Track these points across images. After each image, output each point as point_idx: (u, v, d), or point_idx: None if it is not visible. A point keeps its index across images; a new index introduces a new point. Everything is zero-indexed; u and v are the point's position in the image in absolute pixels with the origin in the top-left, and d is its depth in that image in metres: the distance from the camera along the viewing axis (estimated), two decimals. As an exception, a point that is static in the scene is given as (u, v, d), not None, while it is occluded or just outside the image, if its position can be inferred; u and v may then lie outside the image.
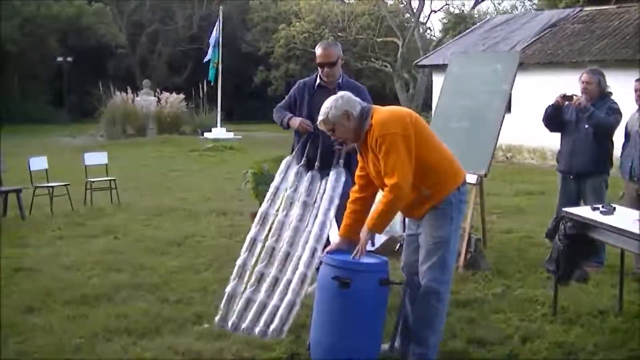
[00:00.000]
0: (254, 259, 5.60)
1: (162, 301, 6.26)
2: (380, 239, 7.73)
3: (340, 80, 6.09)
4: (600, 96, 7.32)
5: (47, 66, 40.87)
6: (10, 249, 8.38)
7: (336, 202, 5.60)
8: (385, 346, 4.81)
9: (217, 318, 5.43)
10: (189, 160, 20.13)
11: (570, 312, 5.93)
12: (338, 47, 6.18)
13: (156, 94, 28.45)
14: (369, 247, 6.83)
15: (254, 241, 5.65)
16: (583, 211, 5.71)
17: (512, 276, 7.07)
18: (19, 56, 38.41)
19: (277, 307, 5.23)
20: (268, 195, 5.89)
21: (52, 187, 11.12)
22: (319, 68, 6.13)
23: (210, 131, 26.69)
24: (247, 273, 5.55)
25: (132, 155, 20.84)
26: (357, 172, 4.97)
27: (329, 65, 6.04)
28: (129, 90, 27.47)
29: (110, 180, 11.88)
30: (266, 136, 28.25)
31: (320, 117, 4.77)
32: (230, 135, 26.52)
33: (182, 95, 28.23)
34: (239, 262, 5.59)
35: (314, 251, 5.34)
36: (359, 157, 4.90)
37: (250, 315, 5.29)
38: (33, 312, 5.96)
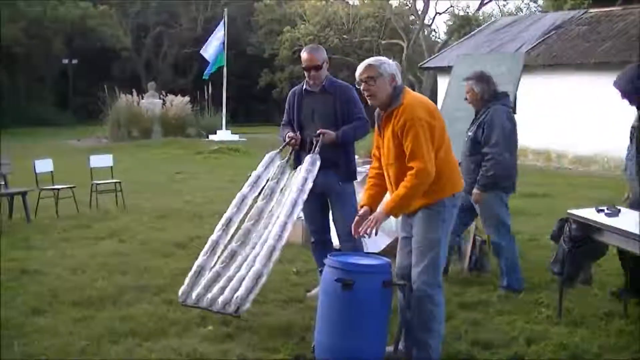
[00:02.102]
0: (227, 238, 5.79)
1: (167, 303, 6.26)
2: (385, 240, 7.74)
3: (324, 83, 6.17)
4: (486, 102, 6.82)
5: (53, 68, 41.01)
6: (16, 251, 8.40)
7: (310, 183, 5.75)
8: (389, 348, 4.82)
9: (181, 290, 5.52)
10: (194, 163, 20.15)
11: (575, 314, 5.93)
12: (323, 51, 6.28)
13: (161, 96, 28.48)
14: (373, 249, 6.88)
15: (229, 221, 5.86)
16: (587, 213, 5.71)
17: (516, 278, 7.07)
18: (25, 58, 38.52)
19: (243, 277, 5.38)
20: (249, 180, 6.13)
21: (58, 189, 11.13)
22: (305, 72, 6.20)
23: (215, 133, 26.73)
24: (219, 250, 5.69)
25: (138, 157, 20.87)
26: (374, 152, 5.01)
27: (315, 68, 6.14)
28: (134, 93, 27.49)
29: (115, 182, 11.89)
30: (271, 138, 28.16)
31: (371, 61, 4.77)
32: (235, 137, 26.54)
33: (187, 98, 28.25)
34: (212, 237, 5.80)
35: (284, 225, 5.52)
36: (376, 132, 4.92)
37: (216, 287, 5.46)
38: (39, 314, 5.97)
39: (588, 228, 5.58)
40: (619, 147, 7.33)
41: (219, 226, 5.86)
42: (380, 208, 4.80)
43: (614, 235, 5.32)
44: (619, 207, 5.75)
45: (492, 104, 6.76)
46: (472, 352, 5.16)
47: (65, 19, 38.06)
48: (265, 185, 6.11)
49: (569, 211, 5.87)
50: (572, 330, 5.59)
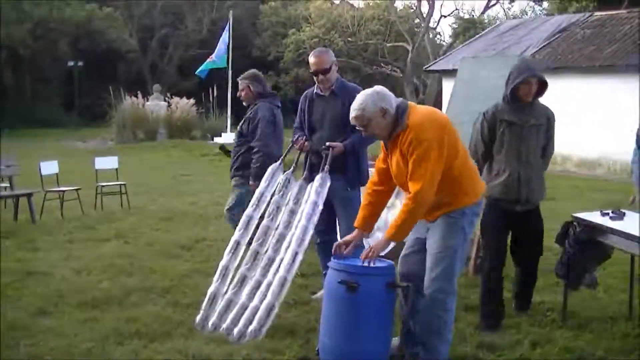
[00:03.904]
0: (237, 262, 5.79)
1: (172, 305, 6.28)
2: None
3: (334, 87, 6.17)
4: (256, 99, 7.33)
5: (58, 70, 41.02)
6: (21, 252, 8.43)
7: (320, 207, 5.69)
8: (395, 340, 4.84)
9: (197, 318, 5.54)
10: (199, 165, 20.17)
11: (580, 318, 5.93)
12: (330, 54, 6.24)
13: (166, 98, 28.49)
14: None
15: (237, 244, 5.84)
16: (592, 216, 5.71)
17: (521, 281, 7.06)
18: (31, 60, 38.59)
19: (256, 309, 5.38)
20: (253, 200, 6.08)
21: (63, 191, 11.15)
22: (313, 76, 6.19)
23: (220, 135, 26.73)
24: (230, 275, 5.70)
25: (143, 159, 20.90)
26: (379, 165, 4.92)
27: (323, 72, 6.12)
28: (140, 95, 27.52)
29: (120, 184, 11.91)
30: (276, 141, 28.22)
31: (353, 113, 4.64)
32: (240, 139, 26.52)
33: (192, 100, 28.24)
34: (222, 263, 5.80)
35: (295, 255, 5.47)
36: (382, 150, 4.83)
37: (230, 316, 5.46)
38: (44, 315, 6.00)
39: (593, 231, 5.58)
40: (624, 150, 7.32)
41: (227, 250, 5.86)
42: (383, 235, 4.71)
43: (619, 239, 5.32)
44: (624, 211, 5.75)
45: (260, 101, 7.26)
46: (478, 354, 5.16)
47: (71, 20, 38.08)
48: (270, 201, 6.07)
49: (573, 214, 5.86)
50: (577, 333, 5.59)
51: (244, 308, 5.50)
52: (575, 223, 5.75)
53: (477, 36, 28.37)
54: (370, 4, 40.77)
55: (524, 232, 5.93)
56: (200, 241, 9.12)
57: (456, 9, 49.55)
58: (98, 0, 40.40)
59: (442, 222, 4.68)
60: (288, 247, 5.60)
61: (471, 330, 5.62)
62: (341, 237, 6.20)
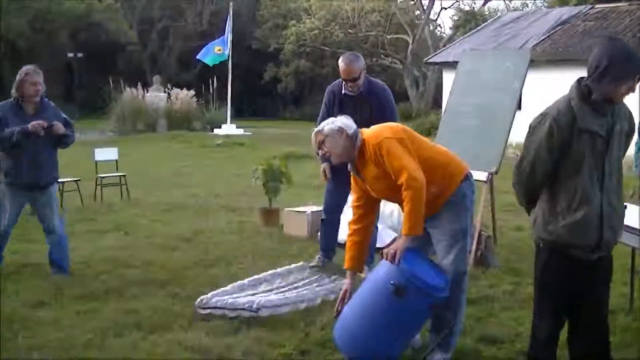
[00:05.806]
0: (267, 287, 6.16)
1: (172, 297, 6.27)
2: (390, 235, 7.73)
3: (362, 89, 6.52)
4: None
5: (58, 62, 40.91)
6: (20, 244, 8.38)
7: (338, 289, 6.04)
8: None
9: (199, 299, 5.71)
10: (198, 157, 20.12)
11: (580, 311, 5.90)
12: (360, 61, 6.56)
13: (166, 90, 28.45)
14: (378, 244, 6.86)
15: (261, 282, 6.22)
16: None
17: (522, 274, 7.04)
18: (30, 52, 38.50)
19: (271, 301, 5.74)
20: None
21: (63, 182, 11.11)
22: (343, 81, 6.54)
23: (220, 127, 26.71)
24: (260, 286, 6.13)
25: (142, 151, 20.85)
26: (354, 203, 4.98)
27: (352, 80, 6.46)
28: (139, 86, 27.48)
29: (120, 176, 11.90)
30: (276, 133, 28.26)
31: (316, 129, 4.90)
32: (240, 131, 26.54)
33: (192, 92, 28.22)
34: (259, 275, 6.29)
35: (316, 294, 6.05)
36: (353, 184, 4.91)
37: (240, 297, 5.79)
38: (43, 307, 5.98)
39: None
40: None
41: (268, 272, 6.42)
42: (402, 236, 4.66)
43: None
44: (625, 203, 5.71)
45: (46, 100, 7.58)
46: (478, 347, 5.16)
47: (70, 12, 38.01)
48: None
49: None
50: (577, 326, 5.56)
51: (255, 295, 5.81)
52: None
53: (478, 28, 28.32)
54: (371, -4, 40.70)
55: (588, 289, 4.18)
56: (199, 233, 9.10)
57: (457, 1, 49.36)
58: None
59: (446, 208, 4.74)
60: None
61: (472, 322, 5.61)
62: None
